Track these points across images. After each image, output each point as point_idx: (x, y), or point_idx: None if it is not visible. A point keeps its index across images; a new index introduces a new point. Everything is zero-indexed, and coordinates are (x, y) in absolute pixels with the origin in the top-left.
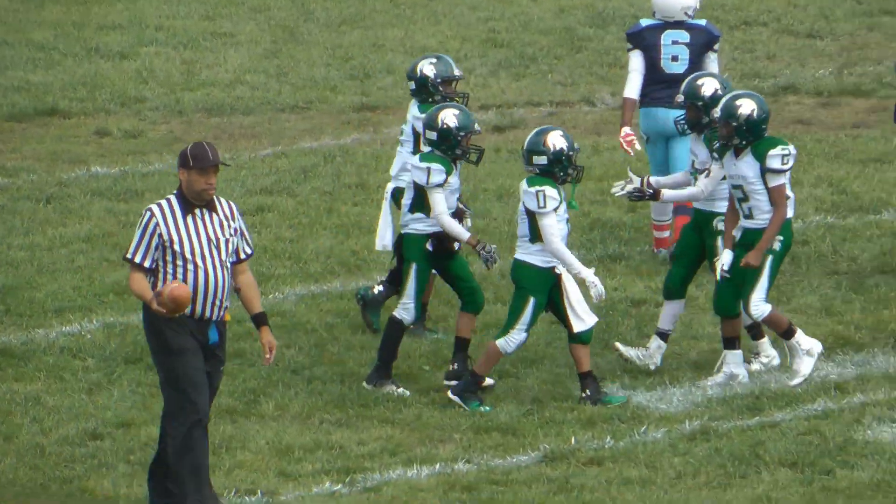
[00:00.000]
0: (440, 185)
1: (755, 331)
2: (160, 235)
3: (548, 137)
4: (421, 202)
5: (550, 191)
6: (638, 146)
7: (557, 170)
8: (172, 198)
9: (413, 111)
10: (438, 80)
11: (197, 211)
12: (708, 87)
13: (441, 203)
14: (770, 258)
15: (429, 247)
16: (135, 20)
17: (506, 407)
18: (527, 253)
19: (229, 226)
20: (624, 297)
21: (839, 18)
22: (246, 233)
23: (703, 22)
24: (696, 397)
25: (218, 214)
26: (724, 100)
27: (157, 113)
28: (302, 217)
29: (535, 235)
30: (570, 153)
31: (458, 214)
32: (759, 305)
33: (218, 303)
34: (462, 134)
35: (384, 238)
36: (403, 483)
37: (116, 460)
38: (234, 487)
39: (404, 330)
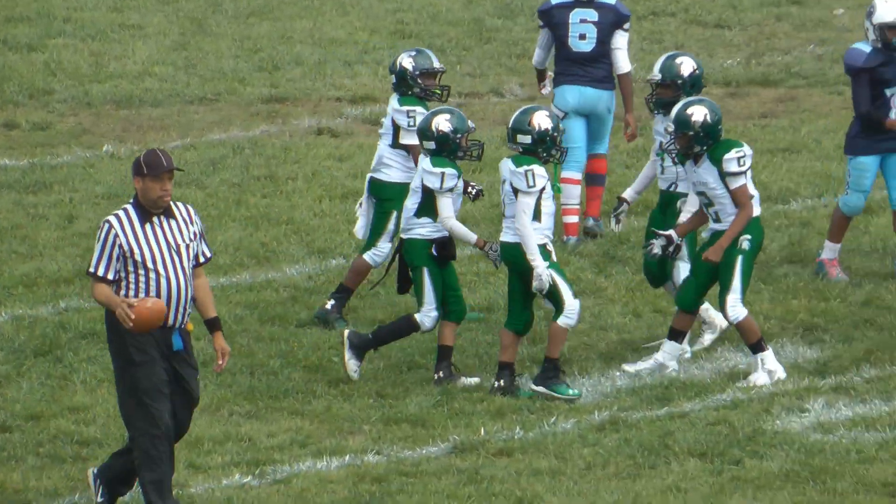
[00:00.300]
0: (451, 190)
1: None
2: (120, 246)
3: (533, 117)
4: (429, 207)
5: (539, 170)
6: (545, 91)
7: (541, 150)
8: (129, 207)
9: (393, 104)
10: (417, 73)
11: (155, 218)
12: (686, 66)
13: (448, 207)
14: (740, 258)
15: (433, 251)
16: (43, 12)
17: (415, 398)
18: (516, 235)
19: (188, 230)
20: None
21: (747, 8)
22: (204, 235)
23: (612, 1)
24: (605, 388)
25: (176, 219)
26: (675, 111)
27: (65, 105)
28: (211, 209)
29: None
30: (555, 134)
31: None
32: (734, 307)
33: (182, 310)
34: (459, 136)
35: (363, 229)
36: (313, 475)
37: (25, 453)
38: None
39: (415, 331)
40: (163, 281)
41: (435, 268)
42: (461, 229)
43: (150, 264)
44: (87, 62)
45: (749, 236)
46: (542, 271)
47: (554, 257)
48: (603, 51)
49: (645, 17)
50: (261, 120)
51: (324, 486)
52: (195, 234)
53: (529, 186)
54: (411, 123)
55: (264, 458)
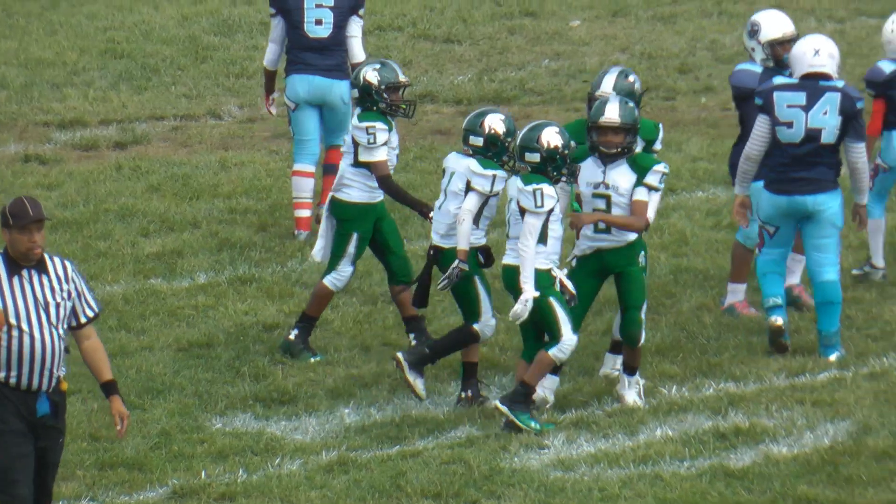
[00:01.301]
0: (496, 195)
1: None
2: None
3: (542, 134)
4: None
5: (549, 189)
6: (274, 111)
7: (551, 168)
8: None
9: (353, 120)
10: (383, 87)
11: (24, 272)
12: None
13: (476, 203)
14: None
15: (480, 258)
16: None
17: (132, 441)
18: (518, 257)
19: (62, 288)
20: (256, 321)
21: (478, 21)
22: (87, 293)
23: None
24: (333, 426)
25: (49, 275)
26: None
27: None
28: None
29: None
30: (565, 151)
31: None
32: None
33: (47, 372)
34: (509, 139)
35: (322, 251)
36: None
37: None
38: None
39: (475, 342)
40: (26, 339)
41: (482, 274)
42: (467, 230)
43: (13, 320)
44: None
45: (644, 252)
46: (528, 300)
47: (558, 285)
48: (339, 37)
49: (370, 33)
50: None
51: None
52: (70, 292)
53: (537, 206)
54: (371, 140)
55: None
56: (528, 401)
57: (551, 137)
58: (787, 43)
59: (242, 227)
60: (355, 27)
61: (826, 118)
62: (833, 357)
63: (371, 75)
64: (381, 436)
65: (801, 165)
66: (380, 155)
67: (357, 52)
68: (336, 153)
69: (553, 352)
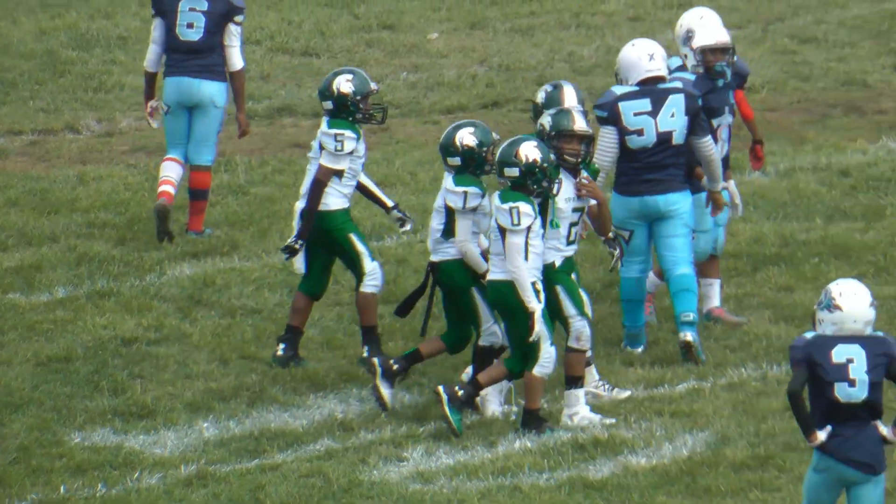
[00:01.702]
0: (474, 210)
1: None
2: None
3: (520, 148)
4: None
5: (525, 207)
6: (155, 124)
7: (530, 182)
8: None
9: (322, 126)
10: (358, 98)
11: None
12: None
13: (467, 230)
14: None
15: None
16: None
17: None
18: (504, 272)
19: None
20: (114, 335)
21: (336, 35)
22: None
23: None
24: (191, 440)
25: None
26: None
27: None
28: None
29: None
30: (545, 165)
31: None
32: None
33: None
34: (485, 150)
35: (304, 260)
36: None
37: None
38: None
39: (499, 353)
40: None
41: (478, 284)
42: (475, 256)
43: None
44: None
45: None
46: (535, 313)
47: (542, 297)
48: (211, 42)
49: None
50: None
51: None
52: None
53: (514, 224)
54: (339, 148)
55: None
56: (542, 423)
57: (530, 151)
58: (719, 51)
59: (101, 242)
60: (232, 36)
61: (674, 120)
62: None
63: (345, 86)
64: (240, 449)
65: (652, 169)
66: (341, 164)
67: (234, 60)
68: (201, 176)
69: (537, 370)
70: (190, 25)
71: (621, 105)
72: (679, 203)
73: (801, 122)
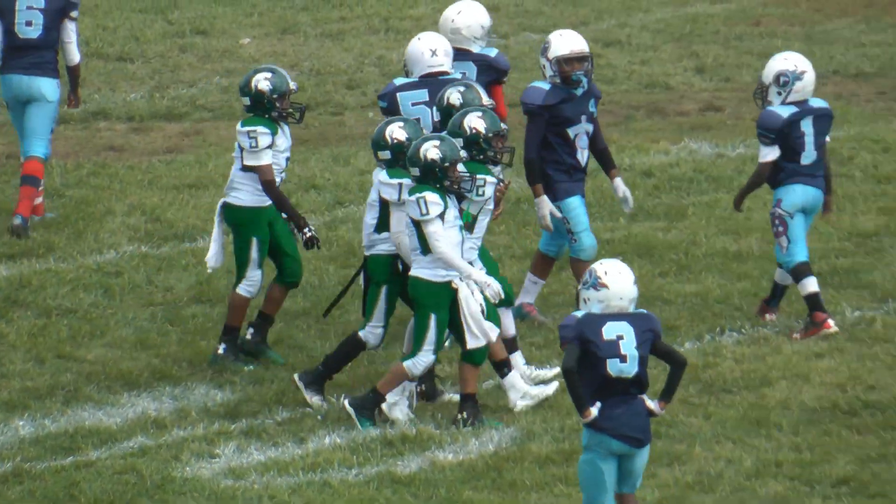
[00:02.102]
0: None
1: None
2: None
3: (421, 148)
4: (389, 221)
5: (431, 196)
6: None
7: (431, 180)
8: None
9: (238, 126)
10: (275, 96)
11: None
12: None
13: (401, 222)
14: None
15: (400, 266)
16: None
17: None
18: (420, 267)
19: None
20: None
21: (150, 40)
22: None
23: None
24: (7, 438)
25: None
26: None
27: None
28: None
29: (426, 246)
30: (445, 164)
31: None
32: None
33: None
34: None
35: (216, 257)
36: None
37: None
38: None
39: (363, 351)
40: None
41: (395, 286)
42: (407, 249)
43: None
44: None
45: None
46: (485, 278)
47: (465, 295)
48: (49, 39)
49: None
50: None
51: None
52: None
53: (423, 214)
54: (253, 145)
55: None
56: (377, 408)
57: (429, 150)
58: (575, 61)
59: None
60: (69, 31)
61: None
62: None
63: (263, 84)
64: (56, 447)
65: None
66: (264, 159)
67: (72, 56)
68: (33, 163)
69: (408, 364)
70: (29, 23)
71: (399, 95)
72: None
73: (604, 124)
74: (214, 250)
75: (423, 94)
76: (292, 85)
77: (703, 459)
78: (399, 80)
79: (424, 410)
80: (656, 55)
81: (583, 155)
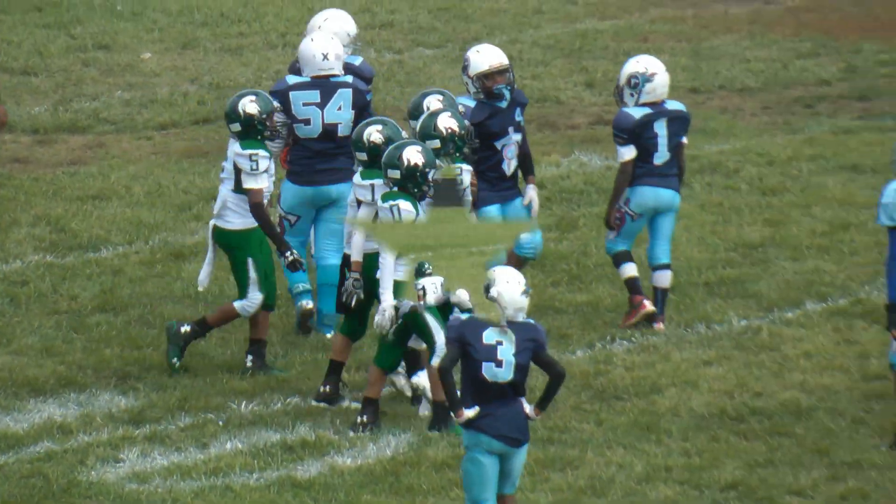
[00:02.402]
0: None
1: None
2: None
3: (404, 152)
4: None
5: (405, 204)
6: None
7: (411, 185)
8: None
9: (234, 147)
10: (264, 117)
11: None
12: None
13: (368, 217)
14: None
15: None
16: None
17: None
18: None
19: None
20: None
21: (53, 54)
22: None
23: None
24: None
25: None
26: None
27: None
28: None
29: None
30: (426, 170)
31: None
32: None
33: None
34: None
35: (207, 277)
36: None
37: None
38: None
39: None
40: None
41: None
42: (357, 243)
43: None
44: None
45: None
46: (388, 307)
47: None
48: None
49: None
50: None
51: None
52: None
53: (396, 222)
54: (254, 167)
55: None
56: (447, 414)
57: (412, 156)
58: (496, 74)
59: None
60: None
61: (341, 113)
62: (330, 335)
63: (251, 107)
64: None
65: (322, 158)
66: (260, 182)
67: None
68: None
69: (434, 360)
70: None
71: (292, 94)
72: (348, 192)
73: None
74: (206, 271)
75: (314, 96)
76: (275, 103)
77: (595, 464)
78: (291, 79)
79: (324, 416)
80: (547, 70)
81: (510, 165)
